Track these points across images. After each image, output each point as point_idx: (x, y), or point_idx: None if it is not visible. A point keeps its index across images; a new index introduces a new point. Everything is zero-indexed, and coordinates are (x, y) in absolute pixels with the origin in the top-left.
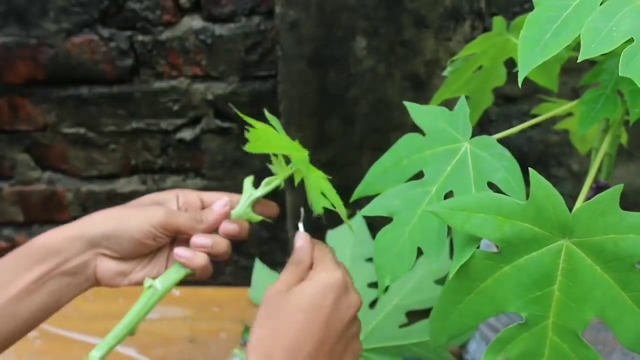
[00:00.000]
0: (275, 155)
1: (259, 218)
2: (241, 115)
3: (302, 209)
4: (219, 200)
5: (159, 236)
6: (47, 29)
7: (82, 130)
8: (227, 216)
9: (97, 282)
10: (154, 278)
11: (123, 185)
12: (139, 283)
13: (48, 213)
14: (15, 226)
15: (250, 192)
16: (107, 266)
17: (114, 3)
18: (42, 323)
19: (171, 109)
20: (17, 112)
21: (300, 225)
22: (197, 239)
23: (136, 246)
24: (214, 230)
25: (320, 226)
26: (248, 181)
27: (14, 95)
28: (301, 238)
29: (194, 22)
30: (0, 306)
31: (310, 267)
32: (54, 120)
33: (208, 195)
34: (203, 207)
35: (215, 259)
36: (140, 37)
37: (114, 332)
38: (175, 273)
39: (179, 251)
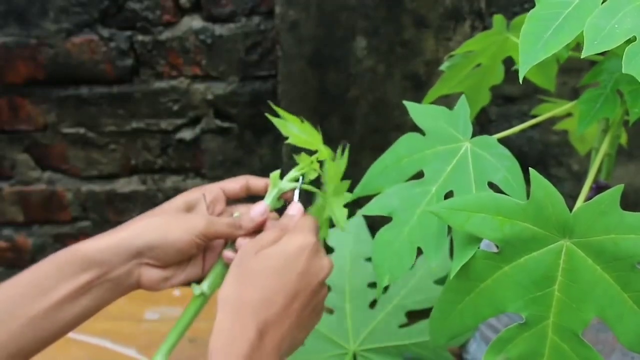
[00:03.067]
0: (302, 148)
1: (281, 203)
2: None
3: (300, 177)
4: (257, 207)
5: (200, 244)
6: (47, 29)
7: (82, 130)
8: (265, 222)
9: (138, 287)
10: (197, 282)
11: (123, 185)
12: (180, 285)
13: (48, 213)
14: (15, 226)
15: (278, 186)
16: (150, 274)
17: (114, 3)
18: (49, 343)
19: (171, 109)
20: (17, 112)
21: (296, 193)
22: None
23: (178, 254)
24: (251, 234)
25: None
26: (275, 175)
27: (14, 95)
28: (295, 208)
29: (194, 22)
30: (42, 312)
31: None
32: (54, 120)
33: (229, 186)
34: (227, 199)
35: None
36: (140, 37)
37: (171, 338)
38: (221, 277)
39: (231, 255)
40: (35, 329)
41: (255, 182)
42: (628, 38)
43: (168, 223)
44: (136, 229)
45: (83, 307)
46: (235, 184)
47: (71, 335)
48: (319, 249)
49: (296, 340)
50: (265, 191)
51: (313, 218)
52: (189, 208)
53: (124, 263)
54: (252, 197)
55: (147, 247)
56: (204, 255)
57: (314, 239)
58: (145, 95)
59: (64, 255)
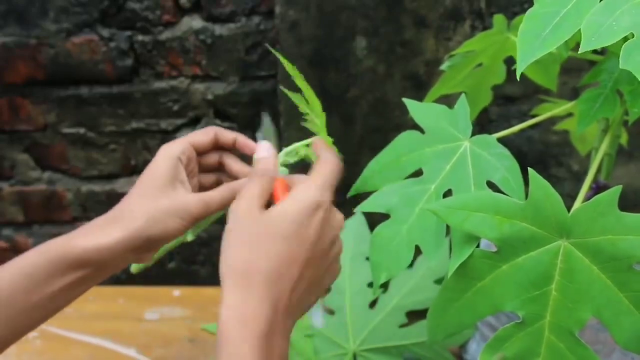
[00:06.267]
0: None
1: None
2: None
3: (263, 114)
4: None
5: (189, 226)
6: (47, 29)
7: (82, 130)
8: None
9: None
10: None
11: (123, 185)
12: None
13: (48, 213)
14: (15, 226)
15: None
16: (137, 259)
17: (114, 3)
18: (42, 323)
19: (171, 109)
20: (17, 112)
21: (259, 135)
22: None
23: (170, 240)
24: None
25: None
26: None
27: (14, 95)
28: (263, 149)
29: (194, 22)
30: (34, 303)
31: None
32: (54, 120)
33: (198, 139)
34: (198, 152)
35: None
36: (140, 37)
37: None
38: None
39: None
40: (29, 317)
41: (224, 133)
42: (626, 35)
43: (167, 214)
44: (135, 224)
45: (74, 295)
46: (204, 136)
47: (71, 335)
48: (332, 207)
49: (309, 302)
50: (233, 144)
51: (332, 163)
52: (173, 178)
53: (122, 260)
54: None
55: (148, 243)
56: None
57: (328, 197)
58: (145, 95)
59: (57, 251)
